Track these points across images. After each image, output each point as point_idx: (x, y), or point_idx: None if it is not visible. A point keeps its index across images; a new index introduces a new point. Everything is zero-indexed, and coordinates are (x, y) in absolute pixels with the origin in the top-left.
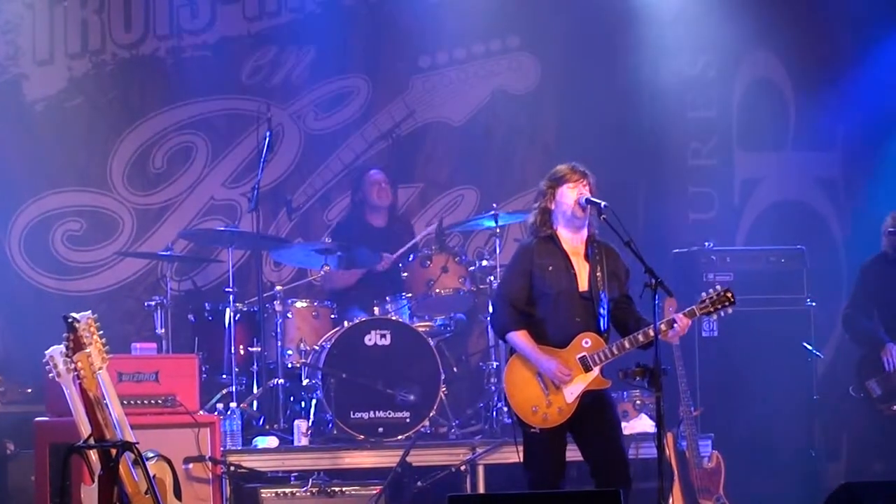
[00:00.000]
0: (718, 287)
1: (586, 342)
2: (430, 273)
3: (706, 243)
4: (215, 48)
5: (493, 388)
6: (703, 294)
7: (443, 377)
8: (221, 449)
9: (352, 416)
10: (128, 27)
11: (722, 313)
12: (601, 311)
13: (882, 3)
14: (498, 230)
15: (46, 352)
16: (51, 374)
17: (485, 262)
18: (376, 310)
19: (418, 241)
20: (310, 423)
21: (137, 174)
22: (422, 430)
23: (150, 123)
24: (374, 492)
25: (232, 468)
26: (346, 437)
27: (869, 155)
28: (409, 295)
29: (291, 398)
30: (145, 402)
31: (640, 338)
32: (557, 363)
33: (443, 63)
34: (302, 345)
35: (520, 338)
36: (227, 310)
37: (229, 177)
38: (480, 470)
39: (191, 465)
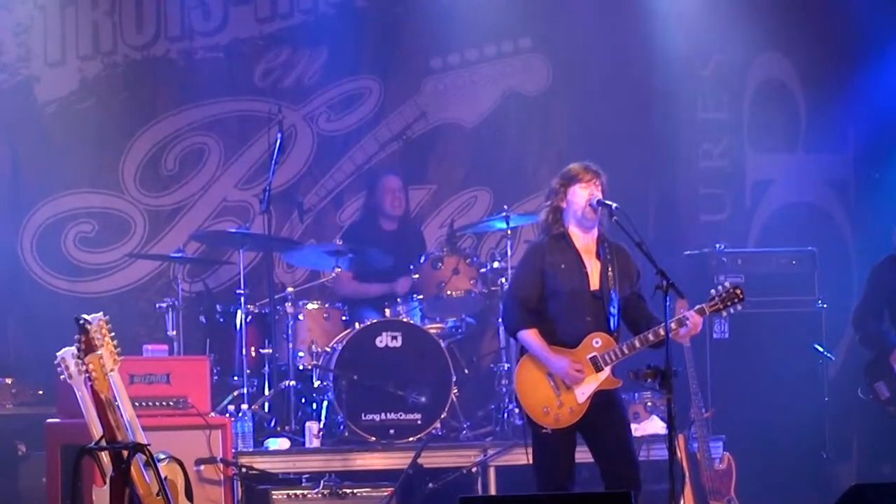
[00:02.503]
0: (727, 283)
1: (596, 342)
2: (442, 275)
3: (717, 245)
4: (227, 50)
5: (504, 389)
6: (713, 291)
7: (454, 379)
8: (233, 450)
9: (363, 417)
10: (139, 29)
11: (732, 310)
12: (612, 310)
13: (893, 5)
14: (509, 232)
15: (58, 353)
16: (62, 376)
17: (496, 264)
18: (387, 311)
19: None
20: (321, 425)
21: (149, 176)
22: (433, 431)
23: (163, 125)
24: (386, 493)
25: (243, 470)
26: (357, 438)
27: (880, 156)
28: (421, 297)
29: (303, 400)
30: (157, 403)
31: (651, 337)
32: (568, 363)
33: (455, 64)
34: (313, 346)
35: (530, 336)
36: (239, 312)
37: (242, 178)
38: (492, 471)
39: (202, 467)
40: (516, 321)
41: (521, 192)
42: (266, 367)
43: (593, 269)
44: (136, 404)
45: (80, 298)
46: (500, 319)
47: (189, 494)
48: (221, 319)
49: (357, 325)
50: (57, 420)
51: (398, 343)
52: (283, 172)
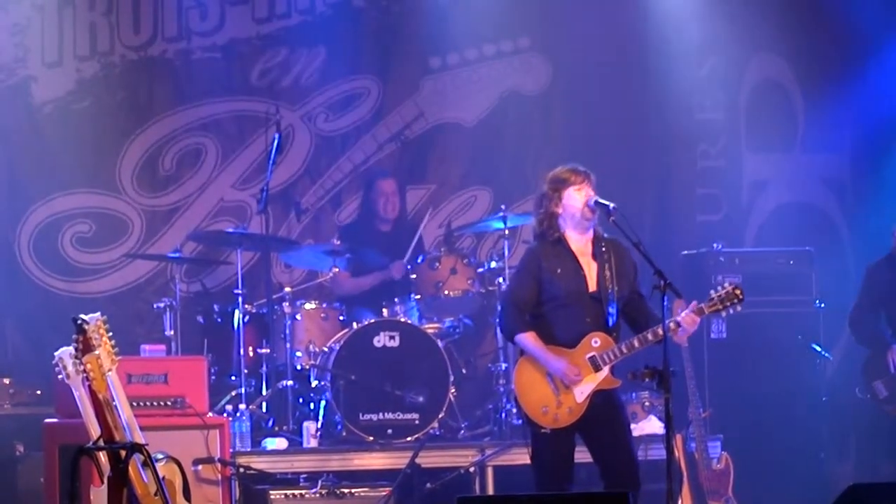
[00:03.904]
0: (727, 284)
1: (595, 342)
2: (439, 275)
3: (714, 245)
4: (224, 50)
5: (501, 389)
6: (712, 292)
7: (451, 379)
8: (231, 450)
9: (361, 417)
10: (136, 29)
11: (731, 310)
12: (610, 309)
13: (889, 5)
14: (506, 232)
15: (56, 353)
16: (60, 376)
17: (493, 264)
18: (385, 311)
19: (422, 235)
20: (319, 425)
21: (147, 176)
22: (431, 431)
23: (160, 125)
24: (384, 493)
25: (241, 470)
26: (355, 438)
27: (877, 156)
28: (418, 296)
29: (300, 400)
30: (154, 403)
31: (650, 337)
32: (567, 363)
33: (454, 64)
34: (311, 346)
35: (528, 339)
36: (237, 311)
37: (239, 178)
38: (489, 471)
39: (200, 467)
40: (513, 325)
41: (521, 192)
42: (264, 367)
43: (590, 270)
44: (134, 404)
45: (77, 299)
46: (497, 320)
47: (187, 494)
48: (219, 319)
49: (355, 324)
50: (55, 420)
51: (396, 343)
52: (280, 172)
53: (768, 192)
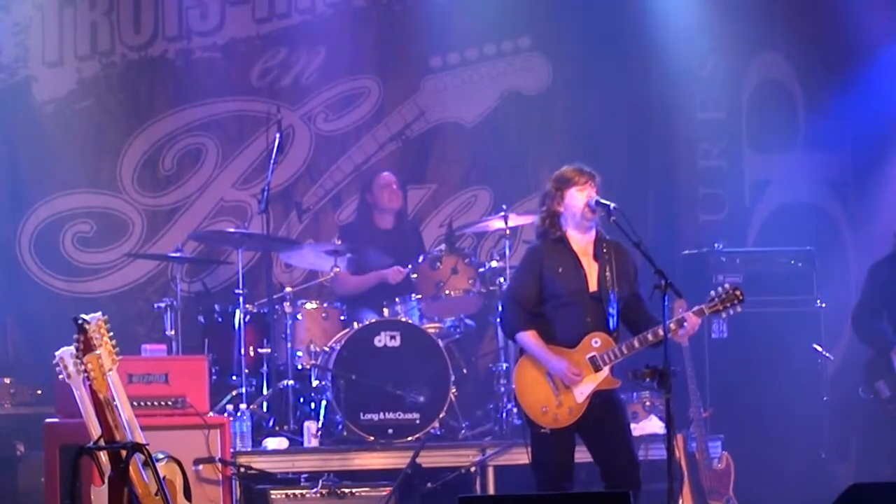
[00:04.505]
0: (727, 285)
1: (596, 342)
2: (440, 275)
3: (716, 245)
4: (225, 50)
5: (502, 389)
6: (712, 292)
7: (452, 378)
8: (231, 450)
9: (362, 417)
10: (137, 29)
11: (731, 311)
12: (610, 310)
13: (890, 5)
14: (507, 231)
15: (56, 353)
16: (61, 376)
17: (494, 264)
18: (386, 311)
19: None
20: (319, 425)
21: (147, 176)
22: (432, 431)
23: (160, 125)
24: (384, 493)
25: (242, 469)
26: (355, 438)
27: (879, 155)
28: (419, 296)
29: (301, 399)
30: (155, 403)
31: (650, 337)
32: (567, 363)
33: (454, 64)
34: (312, 346)
35: (529, 338)
36: (237, 311)
37: (239, 178)
38: (490, 471)
39: (201, 467)
40: (514, 323)
41: (521, 192)
42: (264, 367)
43: (591, 270)
44: (135, 404)
45: (78, 298)
46: (498, 319)
47: (187, 494)
48: (220, 319)
49: (355, 324)
50: (55, 420)
51: (397, 342)
52: (281, 172)
53: (770, 191)
